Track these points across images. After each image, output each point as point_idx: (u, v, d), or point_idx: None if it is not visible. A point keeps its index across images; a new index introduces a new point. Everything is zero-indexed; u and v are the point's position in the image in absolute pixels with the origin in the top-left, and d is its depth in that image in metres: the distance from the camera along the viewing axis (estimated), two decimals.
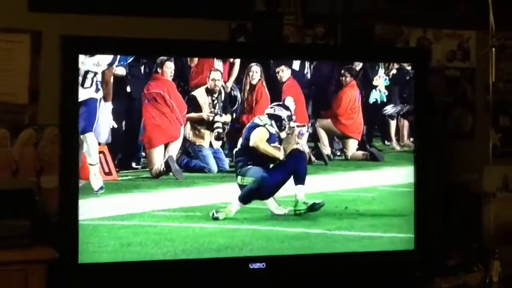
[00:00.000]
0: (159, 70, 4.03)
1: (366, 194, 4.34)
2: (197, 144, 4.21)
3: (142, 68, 4.03)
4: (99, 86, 3.86)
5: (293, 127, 4.19)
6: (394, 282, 4.20)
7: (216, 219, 4.04)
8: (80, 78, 3.80)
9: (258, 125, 4.15)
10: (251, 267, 4.00)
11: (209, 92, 4.18)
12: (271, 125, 4.14)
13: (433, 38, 4.87)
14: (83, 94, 3.82)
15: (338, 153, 4.45)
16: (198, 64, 4.14)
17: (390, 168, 4.39)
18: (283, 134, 4.16)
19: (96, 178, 3.89)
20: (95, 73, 3.84)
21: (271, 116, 4.15)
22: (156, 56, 3.98)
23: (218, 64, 4.14)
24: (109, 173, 3.97)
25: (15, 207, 3.76)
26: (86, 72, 3.81)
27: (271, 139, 4.16)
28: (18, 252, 3.68)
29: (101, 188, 3.90)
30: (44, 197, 4.03)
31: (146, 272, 3.86)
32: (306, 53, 4.32)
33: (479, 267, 4.49)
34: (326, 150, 4.41)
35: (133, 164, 4.11)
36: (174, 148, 4.15)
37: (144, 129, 4.07)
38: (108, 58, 3.88)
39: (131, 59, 3.96)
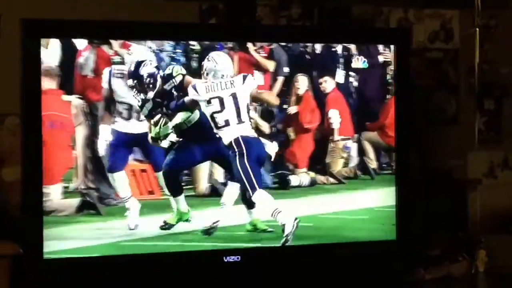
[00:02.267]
0: None
1: None
2: None
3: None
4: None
5: (337, 140, 4.11)
6: (375, 273, 4.11)
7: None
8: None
9: None
10: (225, 260, 3.89)
11: None
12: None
13: (414, 18, 4.77)
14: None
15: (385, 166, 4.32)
16: None
17: None
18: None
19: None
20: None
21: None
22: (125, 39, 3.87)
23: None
24: (151, 192, 4.02)
25: None
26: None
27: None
28: None
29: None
30: (5, 191, 3.94)
31: (116, 265, 3.78)
32: (282, 35, 4.19)
33: (464, 256, 4.44)
34: (373, 164, 4.30)
35: None
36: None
37: None
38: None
39: None
